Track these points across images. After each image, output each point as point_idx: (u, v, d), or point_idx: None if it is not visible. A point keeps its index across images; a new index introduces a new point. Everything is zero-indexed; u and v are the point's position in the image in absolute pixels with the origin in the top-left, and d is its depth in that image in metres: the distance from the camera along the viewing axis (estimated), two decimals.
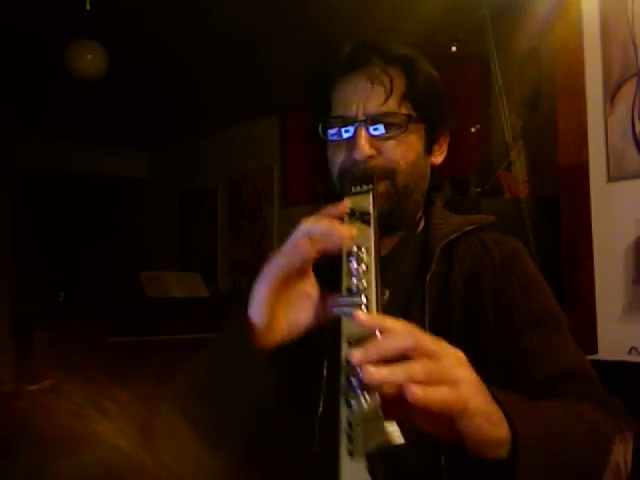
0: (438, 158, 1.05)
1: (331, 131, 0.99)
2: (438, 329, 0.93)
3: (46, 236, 5.43)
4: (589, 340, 2.39)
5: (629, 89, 2.36)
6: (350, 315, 0.68)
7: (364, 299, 0.70)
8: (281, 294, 0.78)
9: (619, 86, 2.38)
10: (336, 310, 0.71)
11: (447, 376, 0.64)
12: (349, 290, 0.72)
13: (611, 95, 2.40)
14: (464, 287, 0.97)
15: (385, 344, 0.64)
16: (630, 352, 2.29)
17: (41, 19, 3.20)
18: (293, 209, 4.69)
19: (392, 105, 0.96)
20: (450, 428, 0.67)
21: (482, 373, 0.91)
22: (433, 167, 1.05)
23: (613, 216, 2.41)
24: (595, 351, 2.39)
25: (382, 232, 0.83)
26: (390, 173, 0.96)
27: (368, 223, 0.79)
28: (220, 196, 5.34)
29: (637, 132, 2.33)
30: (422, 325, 0.93)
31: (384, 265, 0.77)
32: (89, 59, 3.21)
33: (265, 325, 0.78)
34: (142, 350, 3.83)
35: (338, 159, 0.98)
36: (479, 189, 2.82)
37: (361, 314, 0.67)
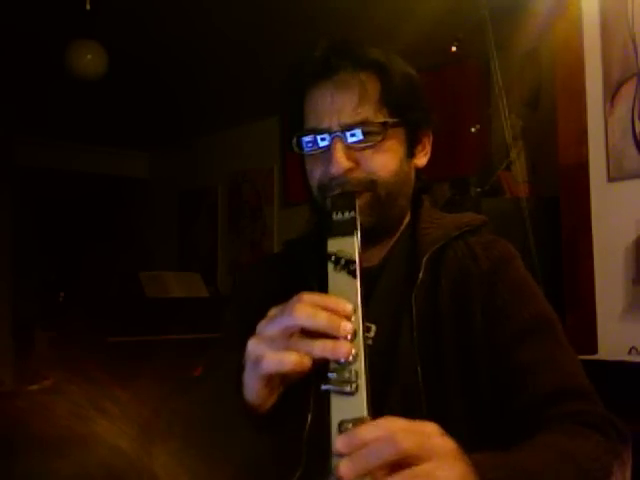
0: (422, 160, 1.01)
1: (306, 142, 0.94)
2: (428, 343, 0.92)
3: (46, 236, 5.43)
4: (589, 340, 2.39)
5: (629, 89, 2.36)
6: (340, 393, 0.68)
7: (353, 373, 0.69)
8: (267, 382, 0.76)
9: (619, 86, 2.38)
10: (325, 387, 0.69)
11: None
12: (338, 362, 0.70)
13: (611, 95, 2.40)
14: (452, 298, 0.95)
15: (369, 458, 0.62)
16: (630, 352, 2.28)
17: (41, 19, 3.20)
18: (293, 209, 4.69)
19: (367, 112, 0.91)
20: None
21: (474, 389, 0.91)
22: (420, 168, 1.02)
23: (613, 216, 2.41)
24: (595, 351, 2.39)
25: (368, 243, 0.81)
26: (371, 184, 0.92)
27: (354, 275, 0.75)
28: (220, 196, 5.34)
29: (637, 132, 2.33)
30: (411, 339, 0.92)
31: (374, 278, 0.76)
32: (89, 59, 3.21)
33: (260, 404, 0.76)
34: (142, 350, 3.83)
35: (316, 173, 0.94)
36: (479, 189, 2.82)
37: (342, 467, 0.63)
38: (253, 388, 0.75)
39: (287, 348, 0.71)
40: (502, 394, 0.90)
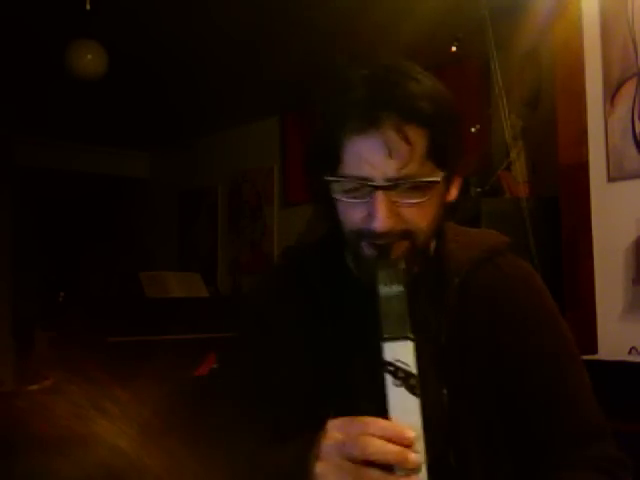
0: (452, 195, 0.96)
1: (343, 189, 0.89)
2: (454, 368, 0.92)
3: (46, 236, 5.43)
4: (589, 340, 2.39)
5: (629, 89, 2.35)
6: None
7: None
8: None
9: (619, 86, 2.38)
10: None
11: None
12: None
13: (611, 95, 2.40)
14: (483, 325, 0.95)
15: None
16: (630, 352, 2.28)
17: (41, 19, 3.20)
18: (293, 209, 4.69)
19: (413, 168, 0.85)
20: None
21: (497, 418, 0.92)
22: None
23: (613, 216, 2.40)
24: (595, 351, 2.39)
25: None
26: (409, 234, 0.88)
27: (414, 392, 0.75)
28: (220, 196, 5.34)
29: (637, 132, 2.33)
30: (437, 362, 0.92)
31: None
32: (89, 59, 3.21)
33: None
34: (142, 350, 3.83)
35: (353, 218, 0.89)
36: (479, 189, 2.82)
37: None
38: None
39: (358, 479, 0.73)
40: (527, 431, 0.93)
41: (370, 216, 0.86)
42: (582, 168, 2.48)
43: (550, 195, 2.69)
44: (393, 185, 0.85)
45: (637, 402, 1.97)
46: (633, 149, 2.34)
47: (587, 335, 2.39)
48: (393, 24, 2.86)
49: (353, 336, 0.93)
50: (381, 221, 0.85)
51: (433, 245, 0.99)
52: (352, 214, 0.89)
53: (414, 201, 0.87)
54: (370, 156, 0.85)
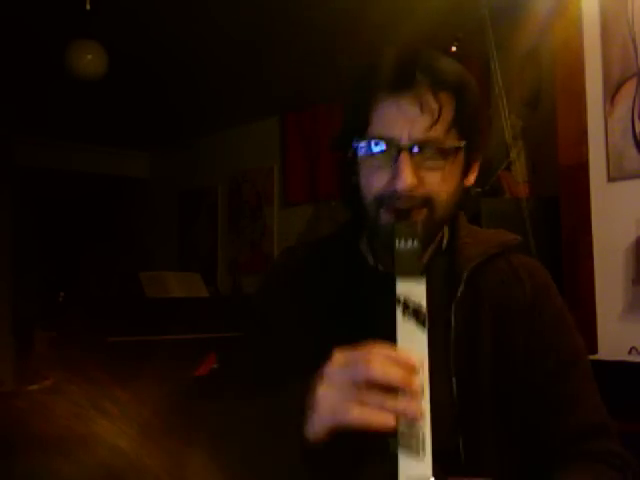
0: (471, 180, 1.00)
1: (370, 150, 0.90)
2: (463, 358, 0.93)
3: (46, 236, 5.43)
4: (589, 340, 2.39)
5: (629, 89, 2.35)
6: (407, 454, 0.71)
7: (420, 435, 0.72)
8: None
9: (619, 86, 2.38)
10: (392, 447, 0.72)
11: None
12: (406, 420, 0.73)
13: (611, 95, 2.40)
14: (493, 317, 0.95)
15: None
16: (630, 352, 2.29)
17: (41, 19, 3.20)
18: (293, 209, 4.69)
19: (439, 133, 0.88)
20: None
21: (505, 411, 0.92)
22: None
23: (613, 216, 2.41)
24: (595, 351, 2.39)
25: None
26: (429, 202, 0.90)
27: (423, 325, 0.77)
28: (220, 196, 5.34)
29: (637, 132, 2.33)
30: (448, 354, 0.92)
31: None
32: (89, 59, 3.21)
33: (316, 442, 0.78)
34: (142, 350, 3.82)
35: (375, 182, 0.90)
36: (479, 189, 2.82)
37: None
38: (317, 433, 0.76)
39: (360, 401, 0.73)
40: (533, 423, 0.94)
41: (393, 178, 0.88)
42: (582, 168, 2.48)
43: (550, 195, 2.69)
44: (419, 146, 0.87)
45: (637, 402, 1.97)
46: (633, 149, 2.34)
47: (587, 335, 2.39)
48: (393, 24, 2.86)
49: (369, 324, 0.92)
50: (404, 181, 0.86)
51: (446, 240, 1.01)
52: (375, 179, 0.90)
53: (436, 166, 0.89)
54: (401, 113, 0.88)
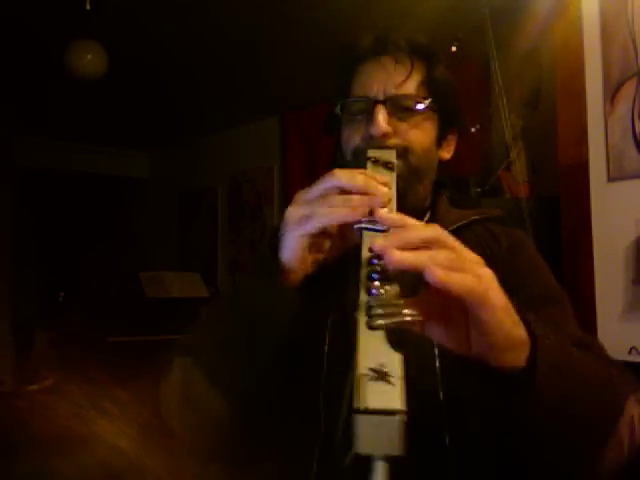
0: (445, 155, 1.07)
1: (350, 110, 1.01)
2: None
3: (46, 236, 5.43)
4: None
5: (629, 89, 2.35)
6: (373, 230, 0.71)
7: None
8: (310, 242, 0.79)
9: (619, 86, 2.38)
10: (358, 226, 0.73)
11: (469, 266, 0.64)
12: (370, 219, 0.73)
13: (611, 95, 2.40)
14: None
15: (407, 233, 0.65)
16: (630, 352, 2.28)
17: (41, 19, 3.20)
18: None
19: (411, 89, 0.99)
20: (466, 337, 0.66)
21: None
22: (439, 163, 1.07)
23: (613, 216, 2.40)
24: None
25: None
26: (404, 151, 0.96)
27: (392, 169, 0.81)
28: (220, 196, 5.34)
29: (637, 132, 2.33)
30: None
31: None
32: (89, 59, 3.20)
33: (294, 268, 0.79)
34: (142, 350, 3.82)
35: (354, 137, 0.99)
36: (479, 189, 2.82)
37: (383, 212, 0.70)
38: (292, 247, 0.77)
39: (332, 204, 0.75)
40: None
41: (368, 128, 0.96)
42: (582, 168, 2.48)
43: (550, 195, 2.69)
44: (391, 99, 0.97)
45: None
46: (633, 149, 2.34)
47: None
48: (393, 24, 2.86)
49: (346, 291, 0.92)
50: (378, 127, 0.94)
51: (428, 215, 1.06)
52: (354, 133, 0.99)
53: (410, 119, 0.98)
54: (377, 74, 0.99)
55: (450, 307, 0.65)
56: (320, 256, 0.80)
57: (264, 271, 0.81)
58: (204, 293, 4.69)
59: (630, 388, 0.82)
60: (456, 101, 1.06)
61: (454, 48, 2.65)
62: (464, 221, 1.01)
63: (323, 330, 0.92)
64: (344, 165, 0.99)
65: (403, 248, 0.63)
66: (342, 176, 0.75)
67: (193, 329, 0.90)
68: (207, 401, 0.82)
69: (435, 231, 0.65)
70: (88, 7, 2.85)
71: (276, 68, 3.78)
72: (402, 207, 0.95)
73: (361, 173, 0.77)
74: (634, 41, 2.34)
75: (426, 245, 0.64)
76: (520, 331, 0.68)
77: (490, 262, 0.96)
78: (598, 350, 0.92)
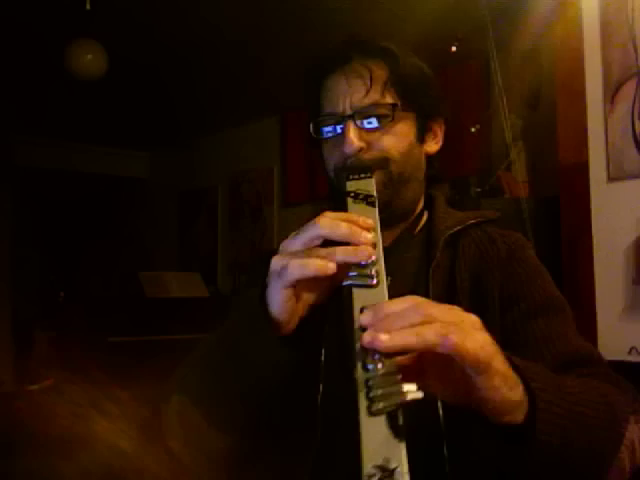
0: (433, 147, 1.05)
1: (324, 129, 1.00)
2: None
3: (46, 236, 5.43)
4: (589, 340, 2.39)
5: (629, 89, 2.35)
6: (362, 285, 0.69)
7: (374, 271, 0.71)
8: (293, 292, 0.76)
9: (619, 86, 2.38)
10: (347, 283, 0.71)
11: (469, 334, 0.63)
12: (359, 265, 0.72)
13: (611, 95, 2.40)
14: (470, 278, 0.97)
15: (394, 319, 0.63)
16: (630, 352, 2.28)
17: (41, 19, 3.20)
18: (293, 209, 4.69)
19: (376, 96, 0.96)
20: (466, 394, 0.66)
21: None
22: (431, 157, 1.05)
23: (613, 216, 2.40)
24: None
25: (382, 224, 0.81)
26: (383, 162, 0.95)
27: (373, 205, 0.80)
28: (220, 196, 5.34)
29: (637, 132, 2.33)
30: None
31: (386, 255, 0.77)
32: (89, 59, 3.21)
33: (285, 320, 0.77)
34: (142, 350, 3.83)
35: (332, 157, 0.99)
36: (479, 189, 2.82)
37: (365, 336, 0.64)
38: (278, 300, 0.75)
39: (310, 256, 0.72)
40: None
41: (343, 145, 0.95)
42: (582, 168, 2.48)
43: (550, 195, 2.69)
44: (359, 112, 0.95)
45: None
46: (633, 149, 2.34)
47: (587, 335, 2.39)
48: (393, 24, 2.86)
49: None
50: (350, 145, 0.94)
51: (425, 217, 1.06)
52: (332, 153, 0.99)
53: (383, 127, 0.96)
54: (338, 90, 0.98)
55: (447, 365, 0.65)
56: (312, 298, 0.77)
57: (255, 326, 0.78)
58: (204, 293, 4.69)
59: (630, 409, 0.82)
60: (432, 89, 1.03)
61: (454, 48, 2.65)
62: (461, 226, 1.00)
63: (319, 348, 0.92)
64: (331, 181, 0.99)
65: (391, 330, 0.62)
66: (325, 225, 0.73)
67: (188, 364, 0.89)
68: (208, 439, 0.84)
69: (422, 313, 0.63)
70: (88, 7, 2.85)
71: (276, 68, 3.78)
72: (391, 214, 0.96)
73: (344, 219, 0.74)
74: (634, 41, 2.34)
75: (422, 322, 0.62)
76: (517, 394, 0.68)
77: (488, 266, 0.97)
78: (597, 362, 0.92)
